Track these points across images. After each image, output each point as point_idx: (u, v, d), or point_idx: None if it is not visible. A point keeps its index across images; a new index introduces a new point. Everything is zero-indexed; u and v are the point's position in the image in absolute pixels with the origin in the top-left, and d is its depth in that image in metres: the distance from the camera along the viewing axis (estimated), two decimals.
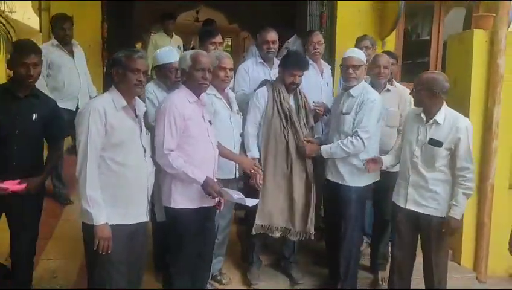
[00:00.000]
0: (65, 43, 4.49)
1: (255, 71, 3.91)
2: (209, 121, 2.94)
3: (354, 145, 3.27)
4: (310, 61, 3.92)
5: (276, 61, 4.04)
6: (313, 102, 3.63)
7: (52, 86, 4.33)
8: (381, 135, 3.49)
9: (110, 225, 2.44)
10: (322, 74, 4.08)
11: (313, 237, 3.44)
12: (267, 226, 3.44)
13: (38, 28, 6.72)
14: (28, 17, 6.97)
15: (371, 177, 3.43)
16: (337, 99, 3.59)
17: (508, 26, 5.68)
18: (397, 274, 3.31)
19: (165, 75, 3.24)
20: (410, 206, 3.15)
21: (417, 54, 6.85)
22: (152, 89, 3.19)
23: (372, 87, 3.48)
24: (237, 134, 3.31)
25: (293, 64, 3.40)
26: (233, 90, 3.74)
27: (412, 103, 3.21)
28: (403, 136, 3.30)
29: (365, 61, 3.47)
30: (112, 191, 2.47)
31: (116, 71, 2.52)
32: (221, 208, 3.07)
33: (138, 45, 9.94)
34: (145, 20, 8.85)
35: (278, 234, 3.43)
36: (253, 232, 3.43)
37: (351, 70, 3.37)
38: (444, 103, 3.05)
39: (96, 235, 2.39)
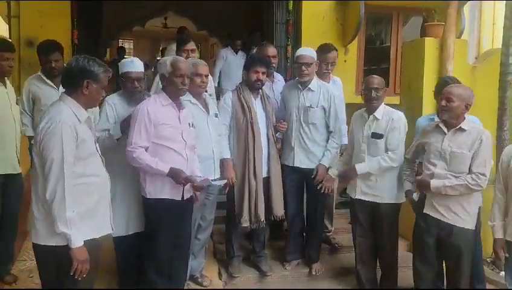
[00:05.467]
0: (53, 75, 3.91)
1: None
2: (189, 124, 3.12)
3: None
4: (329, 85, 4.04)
5: (277, 75, 4.31)
6: (280, 121, 3.77)
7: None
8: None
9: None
10: None
11: (263, 225, 3.65)
12: (237, 217, 3.62)
13: (5, 34, 6.71)
14: None
15: None
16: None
17: (461, 35, 6.11)
18: (362, 263, 3.62)
19: (123, 84, 3.23)
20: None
21: (380, 59, 7.13)
22: (113, 101, 3.19)
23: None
24: (215, 136, 3.47)
25: (256, 61, 3.67)
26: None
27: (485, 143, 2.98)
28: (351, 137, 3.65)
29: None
30: (82, 206, 2.32)
31: (88, 84, 2.33)
32: (198, 202, 3.25)
33: (108, 52, 10.04)
34: (113, 28, 8.92)
35: (246, 224, 3.61)
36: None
37: (303, 68, 3.69)
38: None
39: (74, 258, 2.23)
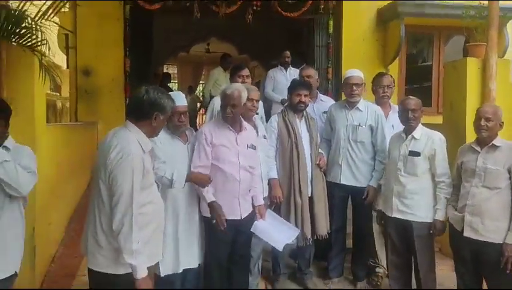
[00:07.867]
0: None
1: None
2: (248, 145, 3.27)
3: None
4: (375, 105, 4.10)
5: (320, 96, 4.51)
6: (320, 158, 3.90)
7: None
8: (478, 197, 3.08)
9: None
10: (386, 117, 4.09)
11: (309, 243, 3.76)
12: None
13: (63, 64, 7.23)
14: (52, 54, 7.48)
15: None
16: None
17: (504, 53, 6.06)
18: (393, 280, 3.61)
19: (169, 118, 3.17)
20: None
21: (422, 78, 7.13)
22: (158, 137, 3.04)
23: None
24: (262, 156, 3.61)
25: (297, 85, 3.86)
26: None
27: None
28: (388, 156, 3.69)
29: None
30: (142, 234, 2.34)
31: (157, 116, 2.42)
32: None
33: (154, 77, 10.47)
34: (161, 54, 9.34)
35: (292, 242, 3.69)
36: None
37: (354, 88, 3.87)
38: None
39: (140, 288, 2.28)
